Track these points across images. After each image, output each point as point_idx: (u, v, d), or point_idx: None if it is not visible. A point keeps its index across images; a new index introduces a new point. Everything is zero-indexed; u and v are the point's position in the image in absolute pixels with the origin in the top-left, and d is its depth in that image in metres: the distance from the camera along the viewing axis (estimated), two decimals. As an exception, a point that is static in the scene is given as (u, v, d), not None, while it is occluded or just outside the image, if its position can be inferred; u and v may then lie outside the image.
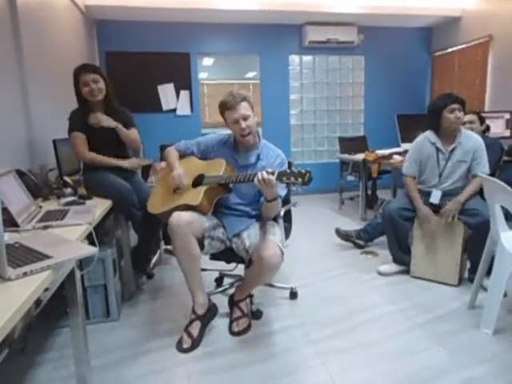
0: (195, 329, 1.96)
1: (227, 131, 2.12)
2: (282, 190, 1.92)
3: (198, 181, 2.00)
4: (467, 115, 2.84)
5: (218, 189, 1.98)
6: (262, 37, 5.18)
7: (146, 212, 2.17)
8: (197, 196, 1.91)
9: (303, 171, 1.64)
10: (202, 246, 1.93)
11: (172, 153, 2.15)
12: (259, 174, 1.70)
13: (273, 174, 1.68)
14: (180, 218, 1.83)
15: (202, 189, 1.93)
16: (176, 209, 1.92)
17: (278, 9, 4.60)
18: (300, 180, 1.63)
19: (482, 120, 3.11)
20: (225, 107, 1.94)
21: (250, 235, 1.96)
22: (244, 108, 1.92)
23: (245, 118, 1.92)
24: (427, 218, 2.52)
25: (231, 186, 2.00)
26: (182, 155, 2.16)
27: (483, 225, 2.21)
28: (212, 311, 2.05)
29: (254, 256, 1.83)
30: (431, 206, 2.57)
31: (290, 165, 2.10)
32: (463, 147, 2.53)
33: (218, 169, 1.96)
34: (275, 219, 2.11)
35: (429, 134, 2.63)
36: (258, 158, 2.03)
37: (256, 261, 1.82)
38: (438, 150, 2.58)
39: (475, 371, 1.70)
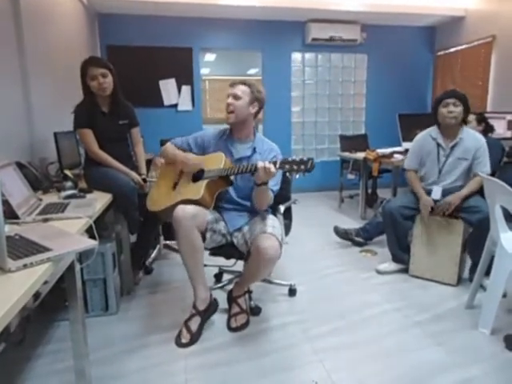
0: (194, 324, 1.97)
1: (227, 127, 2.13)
2: (275, 185, 1.96)
3: (197, 175, 2.01)
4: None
5: (218, 182, 1.99)
6: (265, 33, 5.16)
7: (144, 211, 2.16)
8: (198, 190, 1.93)
9: (305, 159, 1.68)
10: (204, 239, 1.94)
11: (170, 147, 2.16)
12: (261, 163, 1.73)
13: (275, 163, 1.71)
14: (185, 210, 1.85)
15: (203, 183, 1.95)
16: (177, 204, 1.92)
17: (281, 5, 4.59)
18: (303, 167, 1.66)
19: (481, 120, 3.11)
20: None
21: (251, 229, 1.97)
22: (239, 90, 2.00)
23: (235, 97, 1.99)
24: (428, 206, 2.52)
25: (232, 178, 2.01)
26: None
27: (484, 221, 2.20)
28: (212, 307, 2.06)
29: (253, 248, 1.85)
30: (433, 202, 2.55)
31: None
32: (464, 144, 2.53)
33: (218, 162, 1.98)
34: (275, 214, 2.11)
35: (432, 130, 2.65)
36: (254, 150, 2.05)
37: (254, 252, 1.84)
38: (438, 145, 2.58)
39: (472, 371, 1.70)
